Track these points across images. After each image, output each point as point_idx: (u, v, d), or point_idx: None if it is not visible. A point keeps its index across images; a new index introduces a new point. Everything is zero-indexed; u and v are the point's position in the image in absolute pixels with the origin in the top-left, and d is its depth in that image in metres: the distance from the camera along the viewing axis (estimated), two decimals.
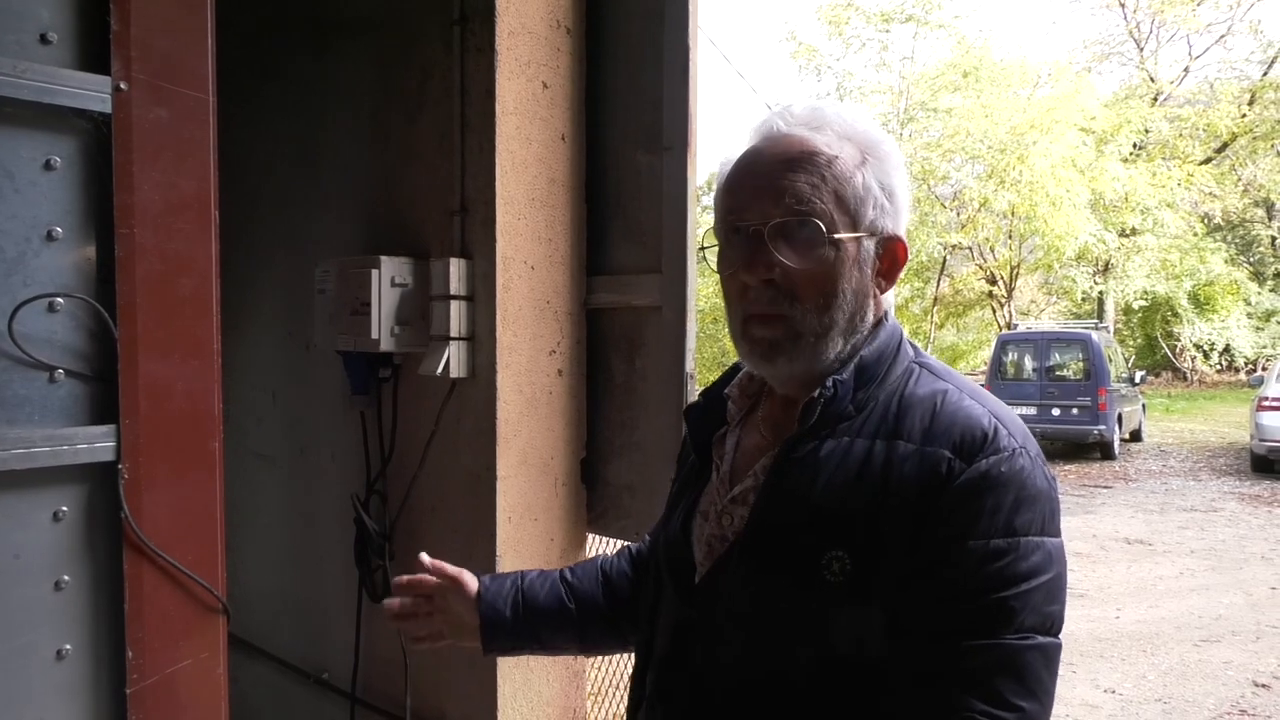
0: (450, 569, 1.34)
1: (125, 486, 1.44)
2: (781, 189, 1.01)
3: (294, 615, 2.78)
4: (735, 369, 1.22)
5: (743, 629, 1.02)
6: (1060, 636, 0.96)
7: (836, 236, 1.00)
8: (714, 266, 1.10)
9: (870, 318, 1.07)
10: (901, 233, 1.07)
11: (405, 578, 1.36)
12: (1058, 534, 0.97)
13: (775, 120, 1.06)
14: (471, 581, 1.33)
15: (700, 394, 1.24)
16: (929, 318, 24.35)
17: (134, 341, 1.44)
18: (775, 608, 1.00)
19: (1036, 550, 0.93)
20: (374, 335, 2.09)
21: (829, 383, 1.02)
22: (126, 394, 1.44)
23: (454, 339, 2.06)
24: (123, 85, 1.42)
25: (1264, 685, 5.13)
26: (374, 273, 2.08)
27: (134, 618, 1.46)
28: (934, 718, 0.92)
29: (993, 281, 24.02)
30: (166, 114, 1.47)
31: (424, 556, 1.35)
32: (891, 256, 1.06)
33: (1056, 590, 0.95)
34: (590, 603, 1.34)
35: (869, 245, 1.04)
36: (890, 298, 1.11)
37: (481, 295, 2.07)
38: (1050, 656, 0.94)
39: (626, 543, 2.27)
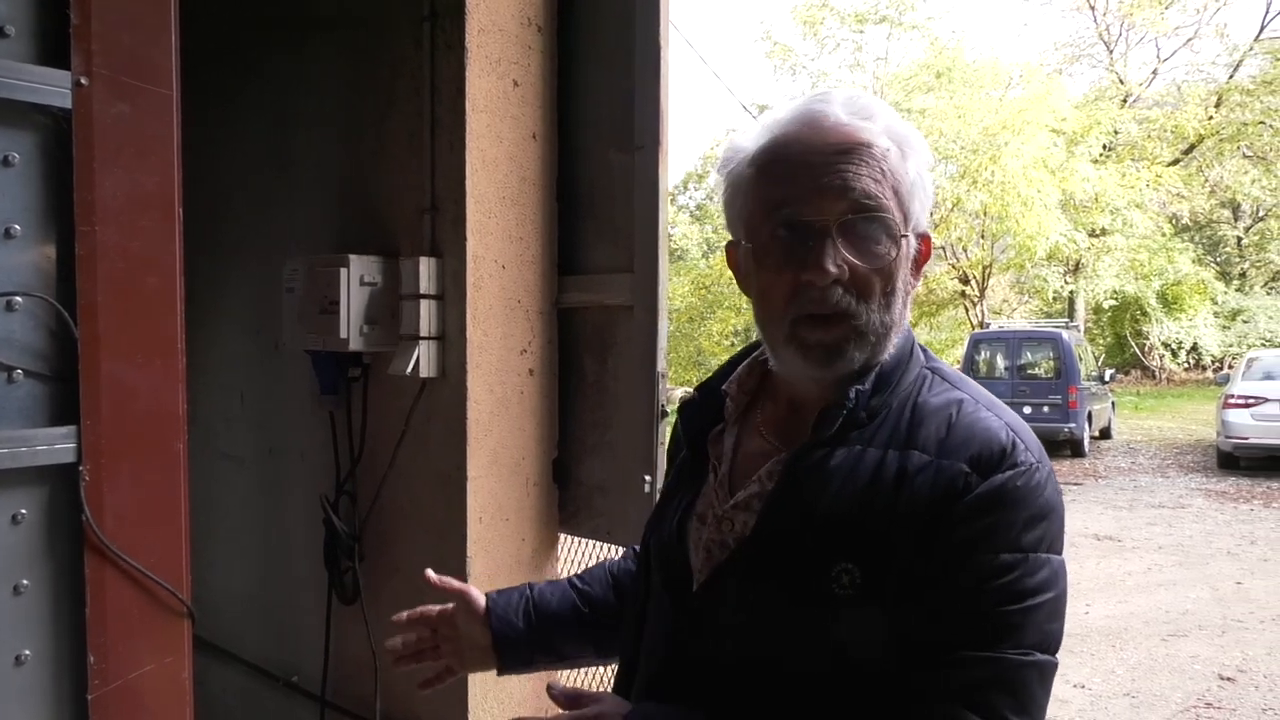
0: (455, 582, 1.29)
1: (86, 488, 1.41)
2: (847, 182, 0.95)
3: (263, 618, 2.75)
4: (731, 365, 1.18)
5: (745, 637, 1.00)
6: (1057, 656, 0.95)
7: (901, 234, 0.97)
8: (735, 264, 1.06)
9: (909, 316, 1.04)
10: (925, 225, 1.03)
11: (405, 614, 1.30)
12: (1062, 551, 0.96)
13: (821, 106, 0.99)
14: (479, 596, 1.27)
15: (696, 389, 1.20)
16: None
17: (95, 341, 1.42)
18: (779, 617, 0.97)
19: (1044, 567, 0.92)
20: (343, 334, 2.07)
21: (852, 393, 0.99)
22: (87, 394, 1.41)
23: (424, 338, 2.04)
24: (83, 80, 1.40)
25: (1229, 679, 5.22)
26: (343, 271, 2.07)
27: (96, 622, 1.43)
28: None
29: (965, 281, 24.22)
30: (128, 109, 1.45)
31: (430, 573, 1.29)
32: (924, 252, 1.04)
33: (1058, 608, 0.94)
34: (604, 607, 1.29)
35: (911, 240, 1.00)
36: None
37: (452, 294, 2.05)
38: (1046, 674, 0.92)
39: (602, 541, 2.28)
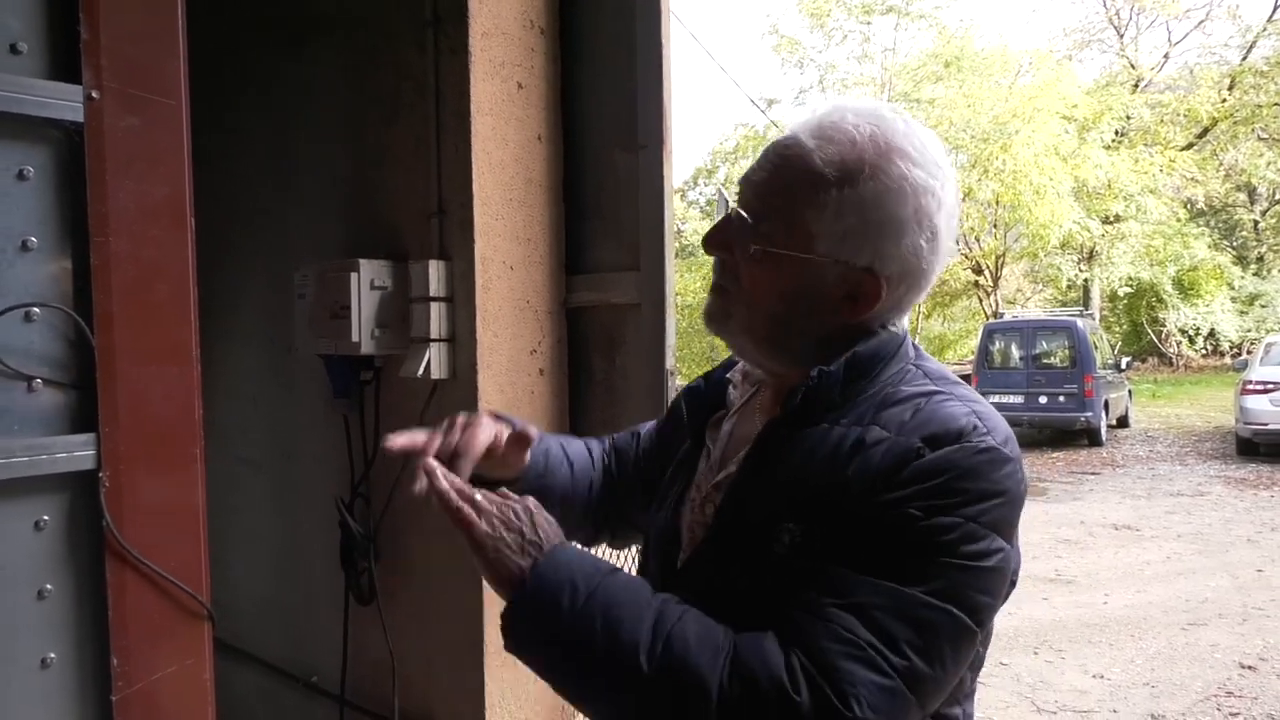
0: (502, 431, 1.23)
1: (106, 494, 1.44)
2: (753, 183, 1.02)
3: (281, 619, 2.79)
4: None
5: (712, 611, 1.00)
6: (981, 631, 0.92)
7: (769, 250, 1.00)
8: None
9: (825, 335, 1.03)
10: (881, 267, 0.99)
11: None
12: (1011, 541, 0.94)
13: (801, 119, 1.04)
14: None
15: (701, 376, 1.23)
16: (916, 308, 24.42)
17: (112, 349, 1.45)
18: (734, 589, 0.98)
19: (984, 539, 0.89)
20: (354, 338, 2.10)
21: (815, 372, 1.00)
22: (106, 402, 1.44)
23: (434, 340, 2.06)
24: (94, 94, 1.42)
25: (1250, 667, 5.19)
26: (353, 276, 2.09)
27: (118, 625, 1.46)
28: (824, 638, 0.86)
29: (979, 271, 24.12)
30: (138, 121, 1.47)
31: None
32: (858, 289, 1.00)
33: (992, 585, 0.91)
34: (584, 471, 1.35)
35: (826, 270, 1.00)
36: (900, 325, 1.07)
37: (461, 296, 2.07)
38: (959, 633, 0.88)
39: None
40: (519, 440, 1.25)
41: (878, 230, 0.98)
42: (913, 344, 1.09)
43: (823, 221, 0.98)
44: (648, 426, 1.44)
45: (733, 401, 1.17)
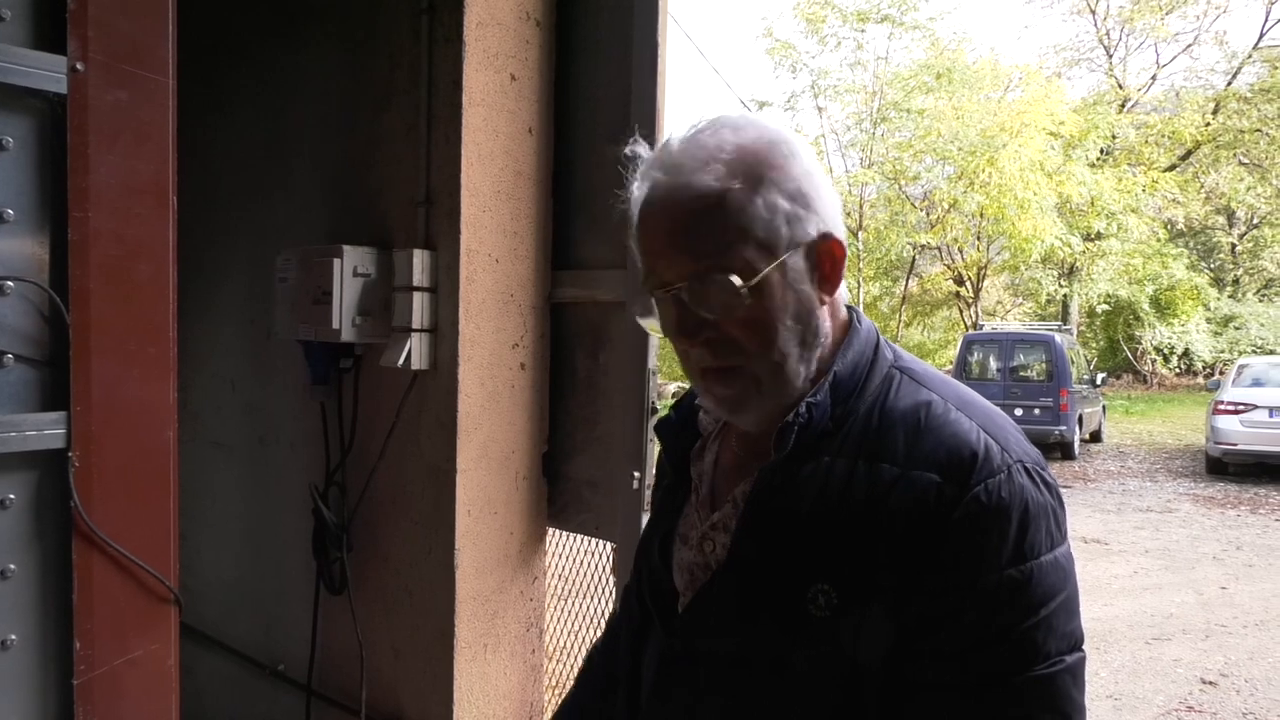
0: None
1: (75, 475, 1.41)
2: (685, 244, 0.94)
3: (251, 606, 2.75)
4: None
5: (728, 662, 0.98)
6: (1084, 647, 0.92)
7: (755, 281, 0.92)
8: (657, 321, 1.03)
9: (826, 325, 0.99)
10: (832, 227, 0.96)
11: None
12: (1064, 539, 0.92)
13: (655, 168, 0.96)
14: None
15: (671, 407, 1.18)
16: (897, 316, 24.59)
17: (87, 327, 1.42)
18: (760, 642, 0.96)
19: (1050, 569, 0.89)
20: (335, 325, 2.07)
21: (803, 408, 0.95)
22: (78, 381, 1.42)
23: (416, 330, 2.04)
24: (79, 66, 1.39)
25: (1211, 683, 5.25)
26: (336, 262, 2.07)
27: (82, 608, 1.43)
28: None
29: (960, 282, 24.30)
30: (124, 96, 1.45)
31: None
32: (828, 257, 0.96)
33: (1073, 602, 0.91)
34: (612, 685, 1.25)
35: (796, 261, 0.95)
36: (843, 293, 1.01)
37: (445, 287, 2.05)
38: (1078, 672, 0.90)
39: (590, 536, 2.28)
40: None
41: (806, 198, 0.95)
42: (887, 343, 1.04)
43: (765, 221, 0.93)
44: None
45: (705, 427, 1.13)
